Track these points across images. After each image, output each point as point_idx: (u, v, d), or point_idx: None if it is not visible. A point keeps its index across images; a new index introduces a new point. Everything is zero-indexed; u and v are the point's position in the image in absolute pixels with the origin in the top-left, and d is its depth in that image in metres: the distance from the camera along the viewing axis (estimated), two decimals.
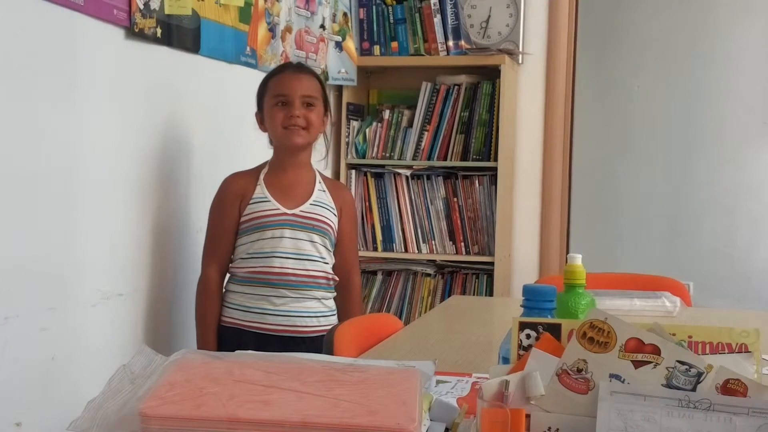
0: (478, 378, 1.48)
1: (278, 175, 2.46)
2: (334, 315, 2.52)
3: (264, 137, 2.52)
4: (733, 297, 4.24)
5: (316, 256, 2.44)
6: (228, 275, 2.48)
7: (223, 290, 2.48)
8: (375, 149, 3.76)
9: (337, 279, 2.52)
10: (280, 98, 2.42)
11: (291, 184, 2.46)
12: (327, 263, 2.48)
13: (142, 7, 2.22)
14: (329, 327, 2.41)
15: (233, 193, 2.44)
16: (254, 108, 2.50)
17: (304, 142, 2.44)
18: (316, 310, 2.46)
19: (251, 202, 2.42)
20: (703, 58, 4.44)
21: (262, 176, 2.46)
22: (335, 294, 2.54)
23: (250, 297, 2.42)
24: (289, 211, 2.42)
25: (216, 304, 2.45)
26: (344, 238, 2.54)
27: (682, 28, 4.45)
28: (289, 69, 2.51)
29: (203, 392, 0.99)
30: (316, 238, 2.44)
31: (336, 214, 2.50)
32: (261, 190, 2.43)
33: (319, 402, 0.99)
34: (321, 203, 2.47)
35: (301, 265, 2.42)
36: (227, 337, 2.43)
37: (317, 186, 2.49)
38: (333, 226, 2.49)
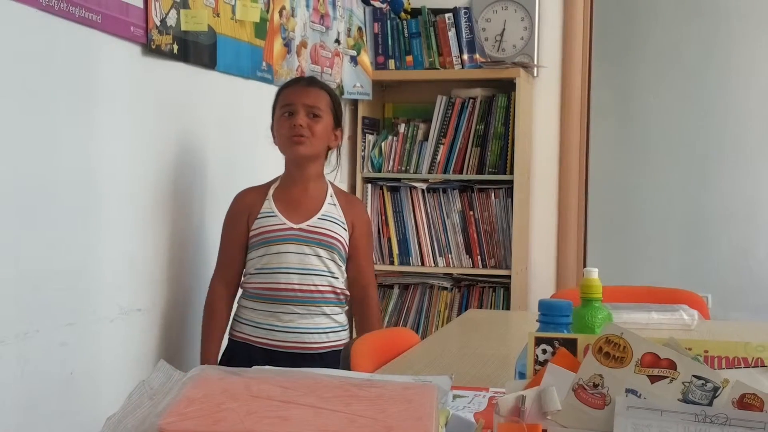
0: (495, 393, 1.48)
1: (288, 190, 2.46)
2: (345, 330, 2.50)
3: (279, 152, 2.53)
4: (752, 309, 4.22)
5: (324, 270, 2.43)
6: (240, 290, 2.49)
7: (236, 305, 2.49)
8: (391, 163, 3.77)
9: (348, 294, 2.51)
10: (286, 108, 2.43)
11: (300, 198, 2.45)
12: (336, 278, 2.46)
13: (158, 24, 2.24)
14: (339, 343, 2.41)
15: (241, 209, 2.44)
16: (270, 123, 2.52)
17: (306, 152, 2.42)
18: (326, 326, 2.44)
19: (259, 216, 2.42)
20: (719, 69, 4.44)
21: (271, 191, 2.46)
22: (347, 308, 2.52)
23: (259, 313, 2.42)
24: (295, 226, 2.41)
25: (219, 320, 2.45)
26: (358, 253, 2.51)
27: (697, 40, 4.45)
28: (300, 82, 2.53)
29: (221, 408, 1.00)
30: (322, 252, 2.42)
31: (346, 228, 2.48)
32: (269, 205, 2.43)
33: (335, 418, 0.99)
34: (330, 218, 2.45)
35: (308, 280, 2.41)
36: (237, 352, 2.43)
37: (328, 200, 2.47)
38: (342, 240, 2.46)
